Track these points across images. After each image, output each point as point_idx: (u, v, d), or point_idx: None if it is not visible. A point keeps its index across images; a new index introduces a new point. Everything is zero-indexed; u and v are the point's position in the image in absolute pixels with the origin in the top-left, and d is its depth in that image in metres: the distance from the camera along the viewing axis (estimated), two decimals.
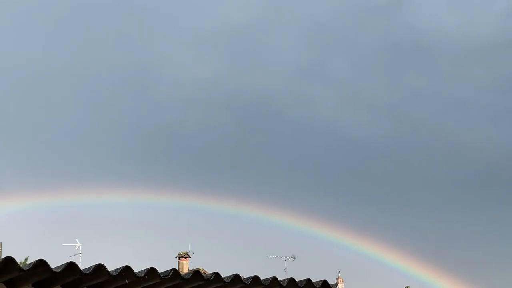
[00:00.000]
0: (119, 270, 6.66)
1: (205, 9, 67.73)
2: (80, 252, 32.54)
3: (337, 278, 40.68)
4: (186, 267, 34.52)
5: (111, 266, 6.78)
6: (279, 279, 8.37)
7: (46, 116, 61.04)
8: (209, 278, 7.47)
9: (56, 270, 6.27)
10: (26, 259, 32.74)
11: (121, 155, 61.51)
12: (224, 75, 68.12)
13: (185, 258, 35.76)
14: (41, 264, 6.17)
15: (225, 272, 7.94)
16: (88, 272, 6.44)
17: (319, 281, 8.84)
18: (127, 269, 6.73)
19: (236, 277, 7.74)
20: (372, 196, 62.18)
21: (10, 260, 5.96)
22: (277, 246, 54.52)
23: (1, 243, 29.09)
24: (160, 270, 7.05)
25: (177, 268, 32.66)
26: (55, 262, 6.41)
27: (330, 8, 68.23)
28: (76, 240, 33.80)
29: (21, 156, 57.78)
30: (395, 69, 70.52)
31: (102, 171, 56.30)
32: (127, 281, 6.73)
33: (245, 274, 8.15)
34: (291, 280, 8.49)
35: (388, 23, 70.03)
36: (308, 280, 8.71)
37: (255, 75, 68.08)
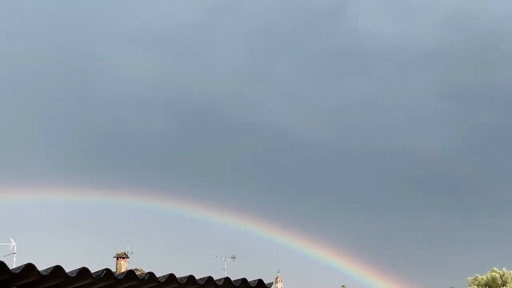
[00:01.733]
0: (49, 270, 6.53)
1: (149, 10, 67.18)
2: (15, 252, 31.75)
3: (276, 278, 40.99)
4: (124, 267, 34.04)
5: (46, 266, 6.65)
6: (215, 279, 8.37)
7: None
8: (143, 278, 7.41)
9: None
10: None
11: (59, 154, 60.32)
12: (167, 76, 67.74)
13: (123, 258, 35.27)
14: None
15: (164, 273, 7.89)
16: (18, 271, 6.29)
17: (254, 280, 8.88)
18: (58, 269, 6.61)
19: (171, 276, 7.70)
20: (311, 196, 62.89)
21: None
22: (218, 246, 54.62)
23: None
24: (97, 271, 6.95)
25: (116, 269, 32.28)
26: None
27: (274, 12, 68.76)
28: (11, 239, 32.98)
29: None
30: (337, 73, 71.61)
31: (40, 171, 55.12)
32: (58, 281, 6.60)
33: (185, 274, 8.12)
34: (227, 279, 8.50)
35: (330, 29, 71.09)
36: (244, 280, 8.74)
37: (199, 77, 67.91)
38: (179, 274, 8.00)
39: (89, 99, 62.42)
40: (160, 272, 7.73)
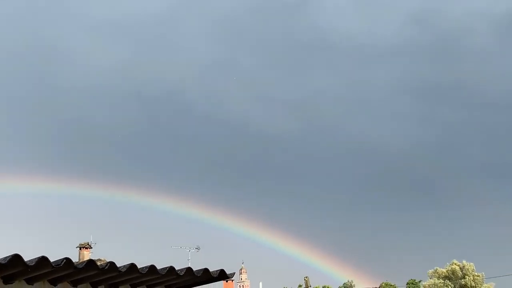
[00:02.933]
0: (8, 259, 6.46)
1: (114, 0, 66.39)
2: None
3: (241, 269, 41.11)
4: (87, 257, 33.85)
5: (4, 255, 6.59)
6: (177, 269, 8.38)
7: None
8: (104, 268, 7.38)
9: None
10: None
11: (23, 143, 59.39)
12: (132, 65, 67.13)
13: (86, 248, 35.11)
14: None
15: (127, 263, 7.84)
16: (4, 262, 6.23)
17: (216, 271, 8.90)
18: (16, 258, 6.54)
19: (132, 266, 7.68)
20: (276, 189, 63.14)
21: None
22: (183, 237, 54.59)
23: None
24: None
25: (78, 259, 32.08)
26: None
27: (239, 4, 68.64)
28: None
29: None
30: (301, 67, 71.84)
31: (1, 160, 54.23)
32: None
33: (147, 264, 8.09)
34: (188, 269, 8.51)
35: (295, 22, 71.29)
36: (205, 270, 8.75)
37: (164, 66, 67.52)
38: (143, 264, 7.98)
39: (51, 87, 61.65)
40: (123, 263, 7.71)
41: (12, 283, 6.89)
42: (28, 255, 6.77)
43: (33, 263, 6.66)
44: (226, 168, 63.62)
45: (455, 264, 47.20)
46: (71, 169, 53.23)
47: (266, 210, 58.21)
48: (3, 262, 6.40)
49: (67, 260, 6.97)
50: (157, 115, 65.36)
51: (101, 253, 35.35)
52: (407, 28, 75.11)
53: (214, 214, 49.18)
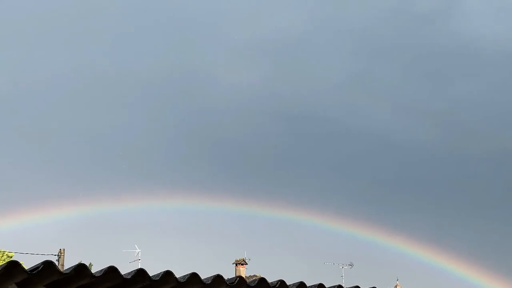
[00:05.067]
0: (186, 277, 6.71)
1: (252, 20, 68.22)
2: (140, 258, 33.11)
3: (396, 286, 40.04)
4: (243, 273, 34.65)
5: (178, 274, 6.85)
6: (327, 286, 8.25)
7: (98, 123, 62.45)
8: (275, 286, 7.45)
9: (126, 277, 6.36)
10: (90, 265, 33.44)
11: (176, 161, 62.30)
12: (272, 84, 68.45)
13: (242, 264, 35.94)
14: (112, 270, 6.28)
15: (284, 279, 7.87)
16: (157, 278, 6.52)
17: None
18: (194, 276, 6.78)
19: (301, 285, 7.70)
20: (421, 201, 61.00)
21: (82, 267, 6.09)
22: (335, 253, 54.25)
23: (64, 249, 29.81)
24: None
25: (234, 275, 32.79)
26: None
27: (375, 16, 67.65)
28: (136, 246, 34.39)
29: (75, 165, 59.17)
30: (440, 76, 69.31)
31: (159, 177, 57.15)
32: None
33: (300, 281, 8.07)
34: (339, 287, 8.37)
35: (434, 31, 68.89)
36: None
37: (304, 84, 68.17)
38: (294, 281, 7.96)
39: (199, 106, 64.20)
40: (275, 279, 7.73)
41: None
42: (185, 270, 6.96)
43: (209, 282, 6.88)
44: (374, 183, 62.55)
45: None
46: (226, 187, 54.83)
47: (421, 225, 56.36)
48: (182, 280, 6.66)
49: (240, 279, 7.14)
50: (299, 132, 65.88)
51: (254, 270, 36.02)
52: None
53: (367, 230, 48.51)
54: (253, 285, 7.26)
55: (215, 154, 63.08)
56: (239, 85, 65.61)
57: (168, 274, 6.57)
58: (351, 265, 36.19)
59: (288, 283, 7.69)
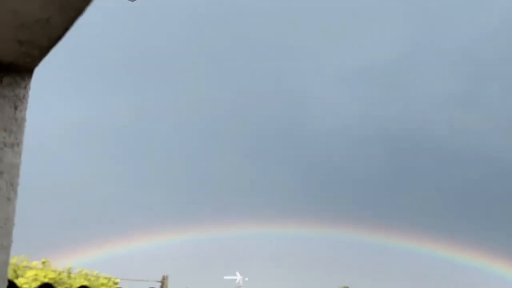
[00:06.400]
0: None
1: (352, 46, 67.65)
2: (241, 285, 33.01)
3: None
4: None
5: None
6: None
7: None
8: None
9: None
10: None
11: (282, 187, 62.14)
12: (373, 108, 67.32)
13: None
14: None
15: None
16: None
17: None
18: None
19: None
20: None
21: None
22: (444, 283, 51.94)
23: (168, 276, 30.12)
24: None
25: None
26: None
27: (475, 36, 65.19)
28: (237, 273, 34.34)
29: (180, 193, 60.28)
30: None
31: (261, 203, 57.18)
32: None
33: None
34: None
35: None
36: None
37: (405, 107, 66.61)
38: None
39: (299, 131, 64.00)
40: None
41: None
42: None
43: None
44: (485, 206, 59.72)
45: None
46: (327, 212, 54.07)
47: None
48: None
49: None
50: (401, 156, 64.24)
51: None
52: None
53: (486, 259, 46.05)
54: None
55: (304, 177, 62.64)
56: (341, 110, 65.12)
57: None
58: None
59: None
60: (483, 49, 64.90)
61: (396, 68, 66.12)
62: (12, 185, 2.13)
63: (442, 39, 66.11)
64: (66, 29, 1.99)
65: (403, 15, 65.99)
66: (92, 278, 34.64)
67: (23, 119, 2.20)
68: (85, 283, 32.83)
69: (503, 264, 45.56)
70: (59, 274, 34.58)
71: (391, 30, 66.12)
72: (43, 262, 35.20)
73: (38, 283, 28.33)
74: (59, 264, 35.77)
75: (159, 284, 29.62)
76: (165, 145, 63.55)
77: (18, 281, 28.75)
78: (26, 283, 31.28)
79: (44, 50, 2.09)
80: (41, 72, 2.25)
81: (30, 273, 33.22)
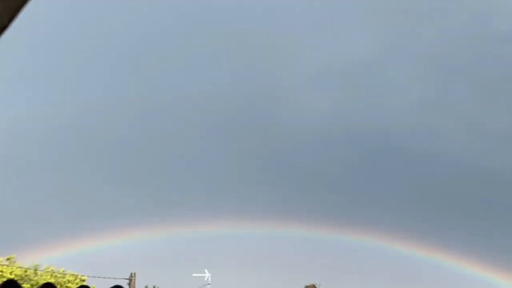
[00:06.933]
0: None
1: (323, 46, 68.15)
2: (209, 283, 33.09)
3: None
4: None
5: None
6: None
7: (172, 152, 63.36)
8: None
9: None
10: None
11: (249, 186, 62.29)
12: (343, 109, 67.94)
13: None
14: None
15: None
16: None
17: None
18: None
19: None
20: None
21: None
22: (410, 279, 52.56)
23: (136, 273, 30.08)
24: None
25: None
26: None
27: (445, 40, 66.16)
28: (206, 270, 34.41)
29: (148, 191, 60.08)
30: None
31: (229, 202, 57.27)
32: None
33: None
34: None
35: (507, 52, 66.61)
36: None
37: (374, 108, 67.32)
38: None
39: (268, 130, 64.30)
40: None
41: None
42: None
43: None
44: (448, 206, 60.60)
45: None
46: (291, 211, 54.39)
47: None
48: None
49: None
50: (370, 157, 64.86)
51: None
52: None
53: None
54: None
55: (279, 180, 63.00)
56: (311, 110, 65.50)
57: None
58: None
59: None
60: (452, 53, 65.90)
61: (366, 70, 66.82)
62: None
63: (412, 42, 67.02)
64: (9, 20, 2.05)
65: (373, 18, 66.73)
66: (59, 275, 34.40)
67: None
68: (51, 280, 32.59)
69: (461, 259, 46.29)
70: (25, 271, 34.26)
71: (362, 32, 66.80)
72: (8, 259, 34.85)
73: (3, 280, 28.03)
74: (26, 261, 35.45)
75: (127, 281, 29.55)
76: (135, 143, 63.27)
77: None
78: None
79: None
80: None
81: None
